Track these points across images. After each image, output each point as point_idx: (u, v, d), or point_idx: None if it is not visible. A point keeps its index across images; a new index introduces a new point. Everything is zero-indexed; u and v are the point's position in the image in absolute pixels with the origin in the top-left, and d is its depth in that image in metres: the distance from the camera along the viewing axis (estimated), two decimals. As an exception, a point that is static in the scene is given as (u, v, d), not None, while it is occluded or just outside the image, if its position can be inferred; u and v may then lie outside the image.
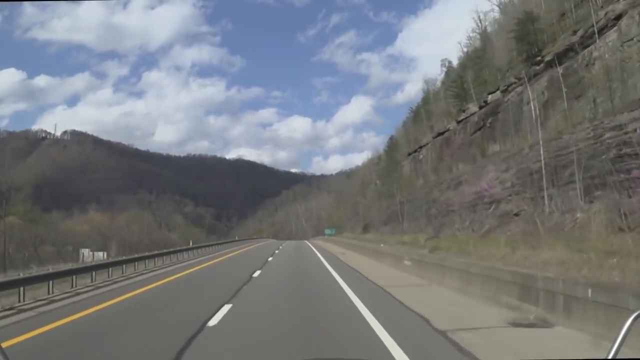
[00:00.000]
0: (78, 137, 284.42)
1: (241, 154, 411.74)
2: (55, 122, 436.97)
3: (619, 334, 1.76)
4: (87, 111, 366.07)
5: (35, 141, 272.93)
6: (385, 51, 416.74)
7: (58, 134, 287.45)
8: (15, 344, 7.50)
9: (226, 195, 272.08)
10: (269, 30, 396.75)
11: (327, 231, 73.32)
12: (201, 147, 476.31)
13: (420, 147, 53.73)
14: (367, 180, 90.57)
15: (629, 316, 1.75)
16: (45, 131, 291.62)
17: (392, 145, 69.31)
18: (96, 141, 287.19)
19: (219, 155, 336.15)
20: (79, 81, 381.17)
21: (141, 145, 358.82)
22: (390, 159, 66.29)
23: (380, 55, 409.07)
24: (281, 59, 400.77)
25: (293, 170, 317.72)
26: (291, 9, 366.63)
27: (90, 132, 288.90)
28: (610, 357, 1.72)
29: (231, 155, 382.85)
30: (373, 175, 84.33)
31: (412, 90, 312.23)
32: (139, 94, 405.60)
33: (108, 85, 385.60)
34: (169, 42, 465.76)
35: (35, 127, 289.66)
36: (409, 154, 57.99)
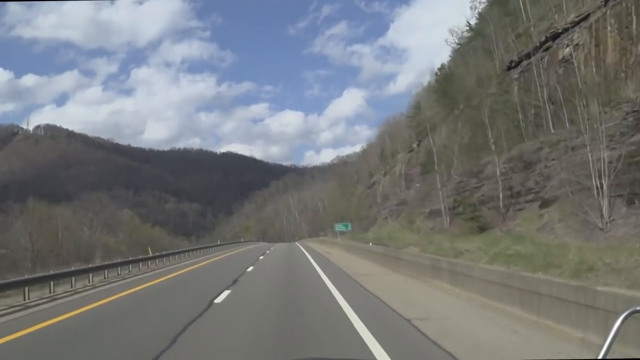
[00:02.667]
0: (52, 132, 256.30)
1: (232, 149, 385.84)
2: (45, 122, 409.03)
3: (609, 333, 1.60)
4: (76, 110, 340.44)
5: (6, 137, 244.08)
6: (376, 42, 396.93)
7: (31, 128, 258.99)
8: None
9: (213, 191, 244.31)
10: (260, 23, 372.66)
11: (338, 227, 42.38)
12: (192, 144, 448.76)
13: (556, 35, 22.97)
14: (388, 151, 59.71)
15: (619, 316, 1.62)
16: (18, 126, 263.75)
17: (447, 78, 38.64)
18: (70, 135, 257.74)
19: (205, 149, 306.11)
20: (67, 79, 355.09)
21: (132, 143, 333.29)
22: (448, 96, 35.71)
23: (372, 47, 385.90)
24: (272, 53, 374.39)
25: (284, 163, 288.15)
26: (282, 0, 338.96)
27: (65, 127, 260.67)
28: (600, 357, 1.58)
29: (222, 151, 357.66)
30: (402, 140, 53.48)
31: (404, 81, 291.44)
32: (128, 92, 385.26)
33: (97, 83, 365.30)
34: (158, 38, 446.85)
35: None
36: (510, 67, 27.13)
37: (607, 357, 1.57)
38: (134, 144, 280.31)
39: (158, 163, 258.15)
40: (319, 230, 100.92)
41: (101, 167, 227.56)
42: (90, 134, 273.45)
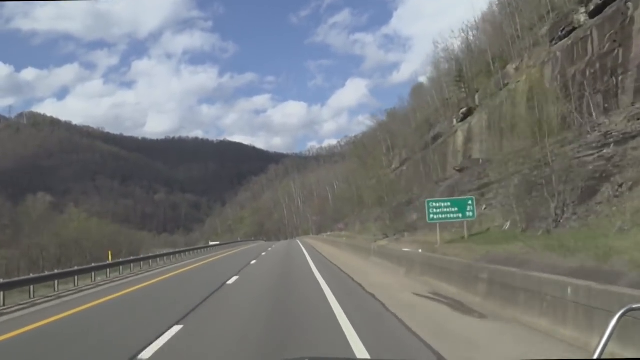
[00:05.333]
0: (34, 119, 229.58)
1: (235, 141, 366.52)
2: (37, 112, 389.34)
3: (605, 333, 1.56)
4: (77, 104, 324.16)
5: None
6: (380, 31, 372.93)
7: (13, 116, 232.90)
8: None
9: (208, 181, 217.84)
10: (262, 12, 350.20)
11: (436, 212, 13.78)
12: (194, 136, 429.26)
13: None
14: (470, 73, 31.06)
15: (614, 315, 1.56)
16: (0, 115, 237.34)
17: None
18: (54, 123, 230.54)
19: (201, 137, 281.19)
20: (68, 72, 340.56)
21: (130, 135, 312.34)
22: None
23: (375, 36, 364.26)
24: (275, 43, 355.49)
25: (286, 152, 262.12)
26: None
27: (48, 114, 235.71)
28: (596, 356, 1.54)
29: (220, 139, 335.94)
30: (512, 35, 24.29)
31: (408, 70, 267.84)
32: (129, 84, 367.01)
33: (97, 76, 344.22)
34: (159, 29, 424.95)
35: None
36: None
37: (603, 357, 1.48)
38: (127, 135, 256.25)
39: (150, 152, 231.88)
40: (330, 221, 72.43)
41: (85, 155, 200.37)
42: (77, 122, 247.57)
